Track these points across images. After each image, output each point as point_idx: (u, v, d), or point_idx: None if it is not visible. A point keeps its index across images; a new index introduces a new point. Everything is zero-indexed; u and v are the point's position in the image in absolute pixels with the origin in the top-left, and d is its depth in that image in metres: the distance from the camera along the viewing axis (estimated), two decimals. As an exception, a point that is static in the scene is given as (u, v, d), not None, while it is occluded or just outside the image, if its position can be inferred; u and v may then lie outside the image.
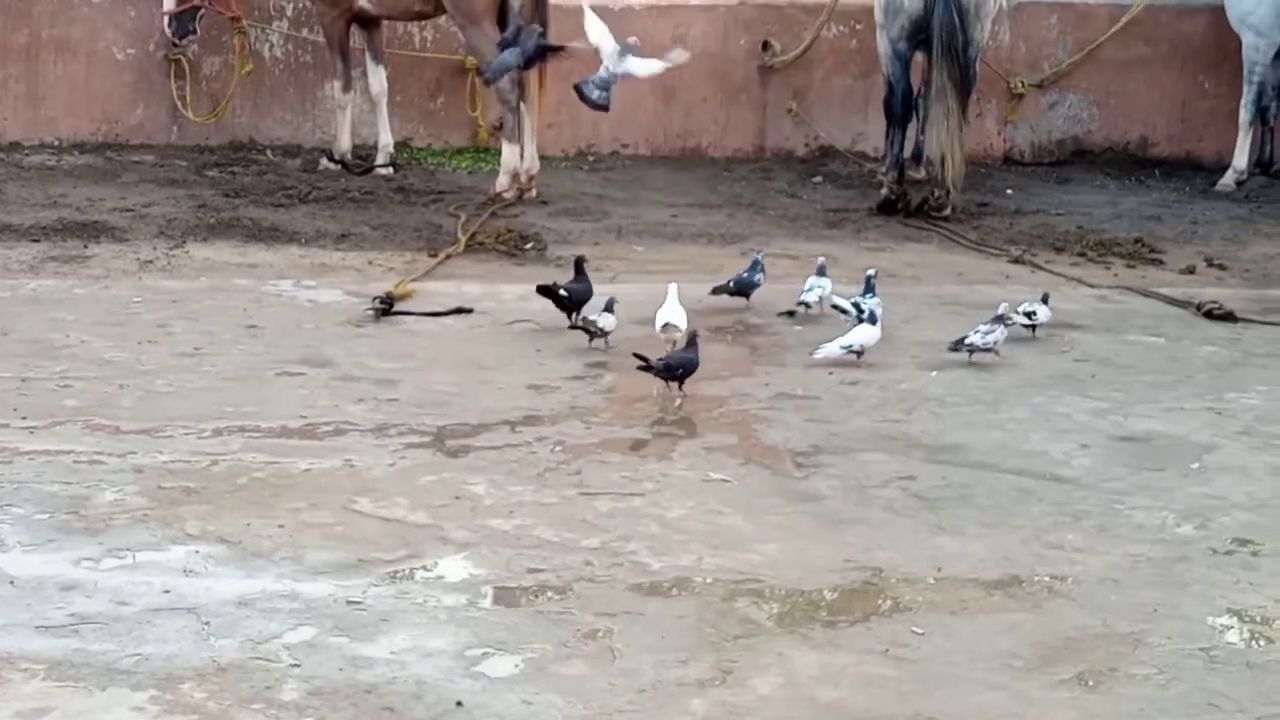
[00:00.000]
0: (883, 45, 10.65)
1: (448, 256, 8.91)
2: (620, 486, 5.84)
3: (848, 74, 11.90)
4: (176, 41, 11.13)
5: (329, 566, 5.14)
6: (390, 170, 10.83)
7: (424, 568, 5.18)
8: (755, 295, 8.15)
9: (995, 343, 7.40)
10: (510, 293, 8.26)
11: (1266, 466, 6.23)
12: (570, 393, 6.84)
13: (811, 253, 9.38)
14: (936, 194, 10.28)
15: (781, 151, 11.93)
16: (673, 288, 7.50)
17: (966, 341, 7.39)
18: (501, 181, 10.24)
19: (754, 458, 6.18)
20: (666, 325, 7.33)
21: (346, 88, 10.81)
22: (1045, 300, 7.96)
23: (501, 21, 10.23)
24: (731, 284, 8.19)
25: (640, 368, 6.78)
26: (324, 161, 10.88)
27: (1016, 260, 9.43)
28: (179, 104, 11.32)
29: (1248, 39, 11.54)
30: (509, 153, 10.27)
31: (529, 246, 9.19)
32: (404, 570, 5.14)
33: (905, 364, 7.40)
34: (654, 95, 11.77)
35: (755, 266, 8.29)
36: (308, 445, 6.14)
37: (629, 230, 9.75)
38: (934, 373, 7.27)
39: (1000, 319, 7.47)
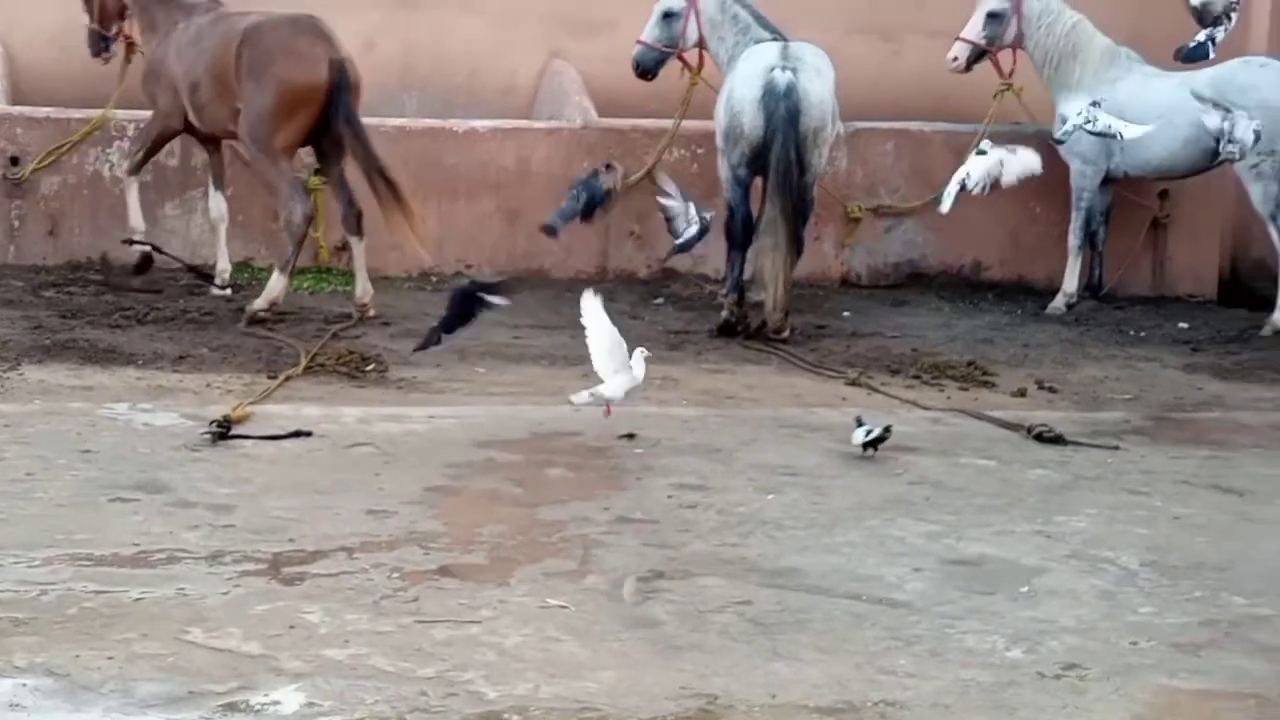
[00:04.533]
0: (723, 170, 10.84)
1: (287, 378, 8.87)
2: (457, 614, 5.82)
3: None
4: (94, 55, 11.10)
5: (159, 699, 5.06)
6: (228, 291, 10.79)
7: (256, 699, 5.12)
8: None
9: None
10: (350, 415, 8.24)
11: (1094, 590, 6.36)
12: (409, 517, 6.82)
13: (652, 374, 9.46)
14: (774, 317, 10.44)
15: (624, 273, 12.04)
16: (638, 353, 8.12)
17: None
18: (260, 303, 10.11)
19: (592, 583, 6.19)
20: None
21: (134, 171, 10.77)
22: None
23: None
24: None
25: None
26: (134, 248, 10.85)
27: (853, 383, 9.57)
28: (14, 223, 11.22)
29: (1075, 166, 11.89)
30: (277, 281, 10.14)
31: (370, 368, 9.18)
32: (236, 702, 5.08)
33: (743, 487, 7.47)
34: (498, 216, 11.86)
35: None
36: (140, 574, 6.06)
37: (471, 352, 9.77)
38: (770, 496, 7.35)
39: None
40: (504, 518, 6.87)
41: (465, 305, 8.87)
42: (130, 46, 11.12)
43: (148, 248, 10.87)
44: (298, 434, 7.86)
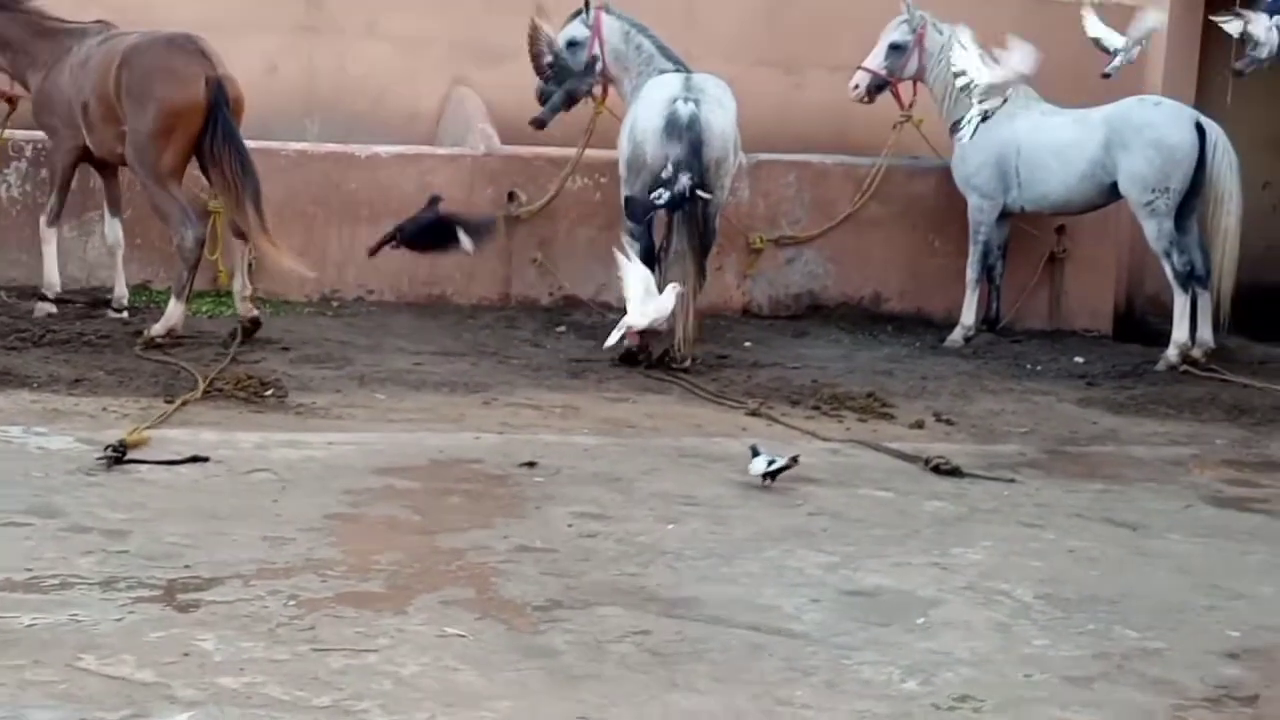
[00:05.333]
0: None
1: (185, 403, 8.79)
2: (354, 642, 5.78)
3: (592, 225, 12.08)
4: None
5: (50, 728, 5.00)
6: (124, 314, 10.68)
7: (150, 728, 5.07)
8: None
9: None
10: (248, 441, 8.18)
11: (989, 622, 6.41)
12: (306, 544, 6.77)
13: (554, 403, 9.50)
14: (685, 350, 10.47)
15: (526, 300, 12.04)
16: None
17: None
18: (157, 329, 10.02)
19: (490, 612, 6.17)
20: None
21: (53, 222, 10.66)
22: None
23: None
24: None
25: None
26: (40, 306, 10.66)
27: (754, 413, 9.61)
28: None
29: (973, 200, 12.03)
30: (174, 307, 10.06)
31: (269, 393, 9.11)
32: (129, 731, 5.03)
33: (643, 516, 7.48)
34: (403, 242, 11.81)
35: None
36: (32, 599, 5.98)
37: (371, 378, 9.73)
38: (670, 525, 7.36)
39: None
40: (402, 545, 6.83)
41: (438, 230, 8.97)
42: (11, 102, 10.99)
43: (52, 309, 10.66)
44: (195, 459, 7.79)
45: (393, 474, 7.82)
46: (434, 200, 10.28)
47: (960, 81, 10.81)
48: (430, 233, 9.25)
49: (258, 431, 8.34)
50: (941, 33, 11.90)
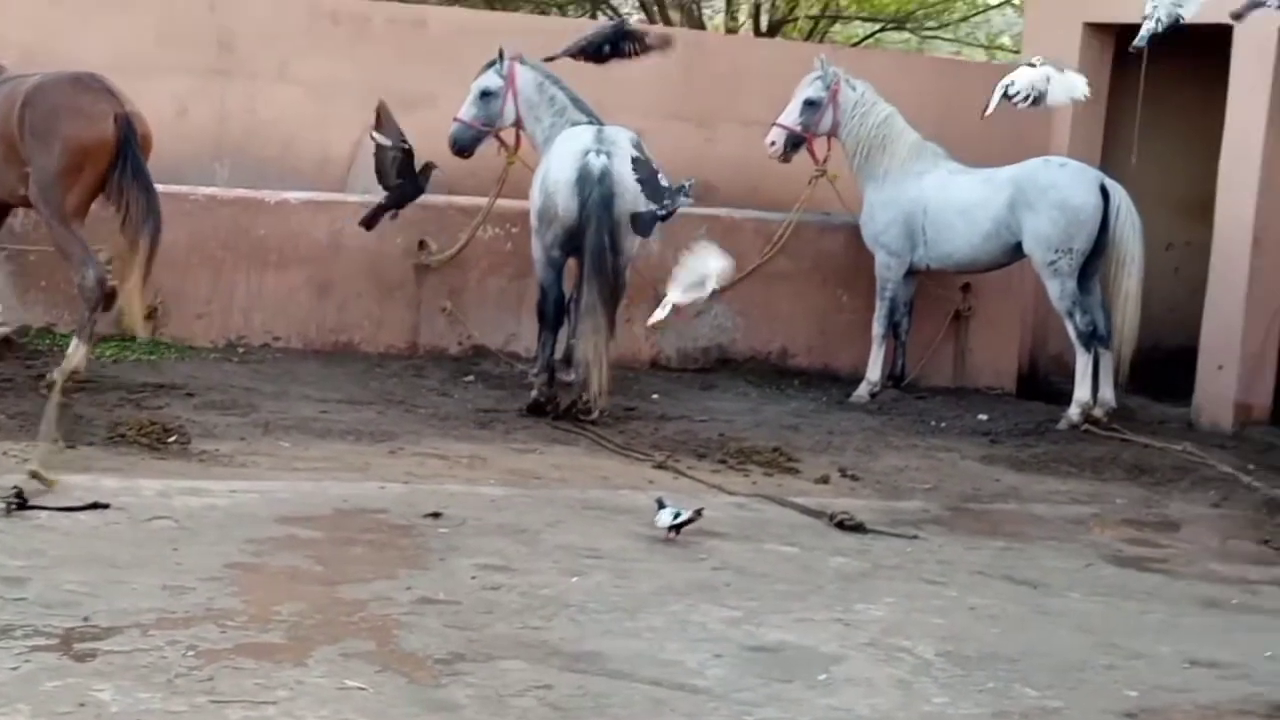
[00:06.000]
0: (537, 251, 10.89)
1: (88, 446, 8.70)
2: (253, 694, 5.72)
3: (502, 275, 12.09)
4: None
5: (-60, 779, 4.92)
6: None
7: (42, 780, 5.00)
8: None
9: None
10: (150, 488, 8.09)
11: (890, 679, 6.44)
12: (207, 594, 6.70)
13: (460, 453, 9.48)
14: (584, 398, 10.49)
15: (435, 349, 12.01)
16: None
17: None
18: (59, 373, 9.80)
19: (392, 665, 6.13)
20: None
21: None
22: None
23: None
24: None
25: None
26: None
27: (660, 466, 9.63)
28: None
29: (880, 257, 12.14)
30: (76, 349, 9.90)
31: (172, 440, 9.03)
32: (20, 783, 4.95)
33: (548, 569, 7.46)
34: (308, 288, 11.77)
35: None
36: (-75, 647, 5.89)
37: (276, 425, 9.67)
38: (575, 578, 7.35)
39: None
40: (304, 596, 6.78)
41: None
42: None
43: None
44: (95, 506, 7.70)
45: (296, 523, 7.77)
46: (428, 167, 10.83)
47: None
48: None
49: (160, 478, 8.26)
50: (855, 88, 12.03)
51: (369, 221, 11.27)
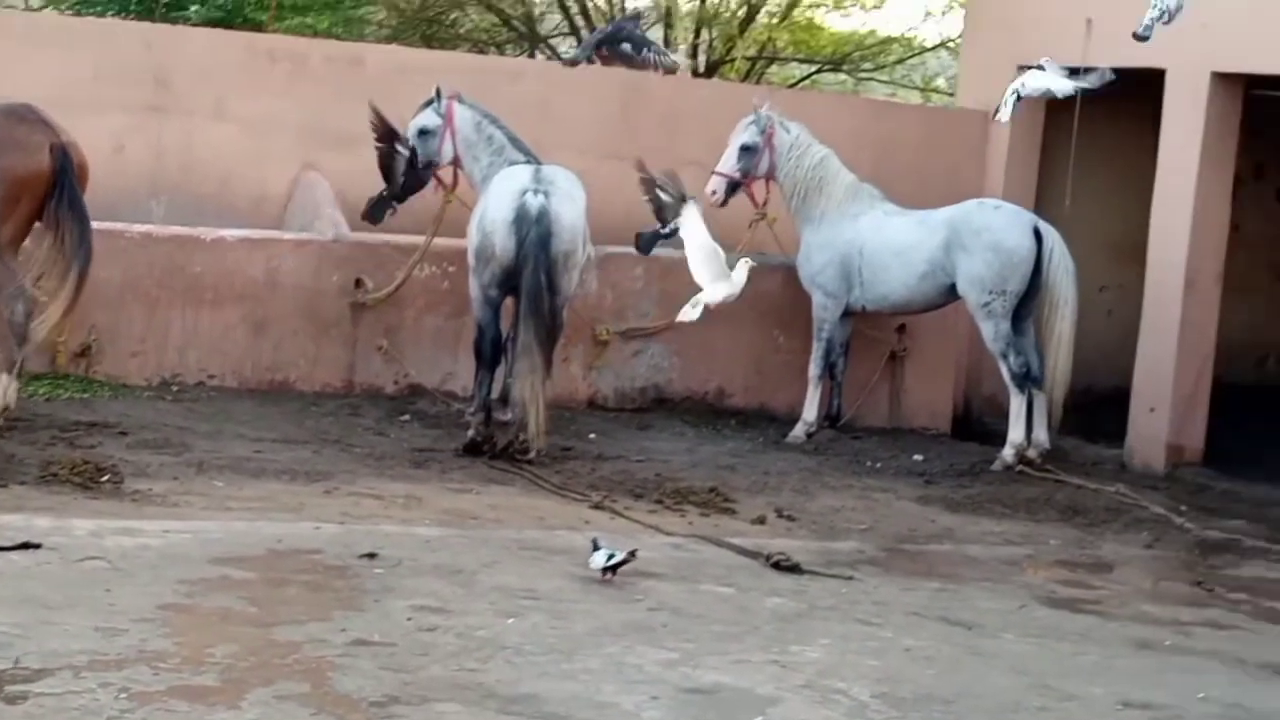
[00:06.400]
0: (474, 289, 10.88)
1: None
2: (186, 738, 5.69)
3: (439, 314, 12.06)
4: None
5: None
6: None
7: (-30, 826, 4.94)
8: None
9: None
10: (82, 527, 8.02)
11: (825, 720, 6.46)
12: (139, 635, 6.65)
13: (396, 493, 9.45)
14: (521, 437, 10.47)
15: (371, 388, 11.97)
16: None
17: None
18: None
19: (326, 708, 6.09)
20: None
21: None
22: None
23: None
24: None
25: None
26: None
27: (597, 506, 9.62)
28: None
29: (817, 298, 12.19)
30: (4, 383, 9.77)
31: (105, 479, 8.96)
32: (-52, 829, 4.89)
33: (484, 610, 7.44)
34: (244, 326, 11.71)
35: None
36: None
37: (210, 465, 9.61)
38: (511, 619, 7.33)
39: None
40: (237, 638, 6.73)
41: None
42: None
43: None
44: (26, 546, 7.63)
45: (229, 564, 7.72)
46: (430, 164, 11.05)
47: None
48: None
49: (92, 518, 8.19)
50: (789, 131, 12.09)
51: (370, 215, 11.36)
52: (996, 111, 11.61)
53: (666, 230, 10.55)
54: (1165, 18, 10.18)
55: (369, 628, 7.02)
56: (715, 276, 9.30)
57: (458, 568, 8.04)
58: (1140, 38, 10.49)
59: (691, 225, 9.68)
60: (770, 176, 12.23)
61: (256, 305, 11.77)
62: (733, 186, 12.12)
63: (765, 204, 12.31)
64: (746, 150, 12.06)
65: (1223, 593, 9.13)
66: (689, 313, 10.33)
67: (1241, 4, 11.74)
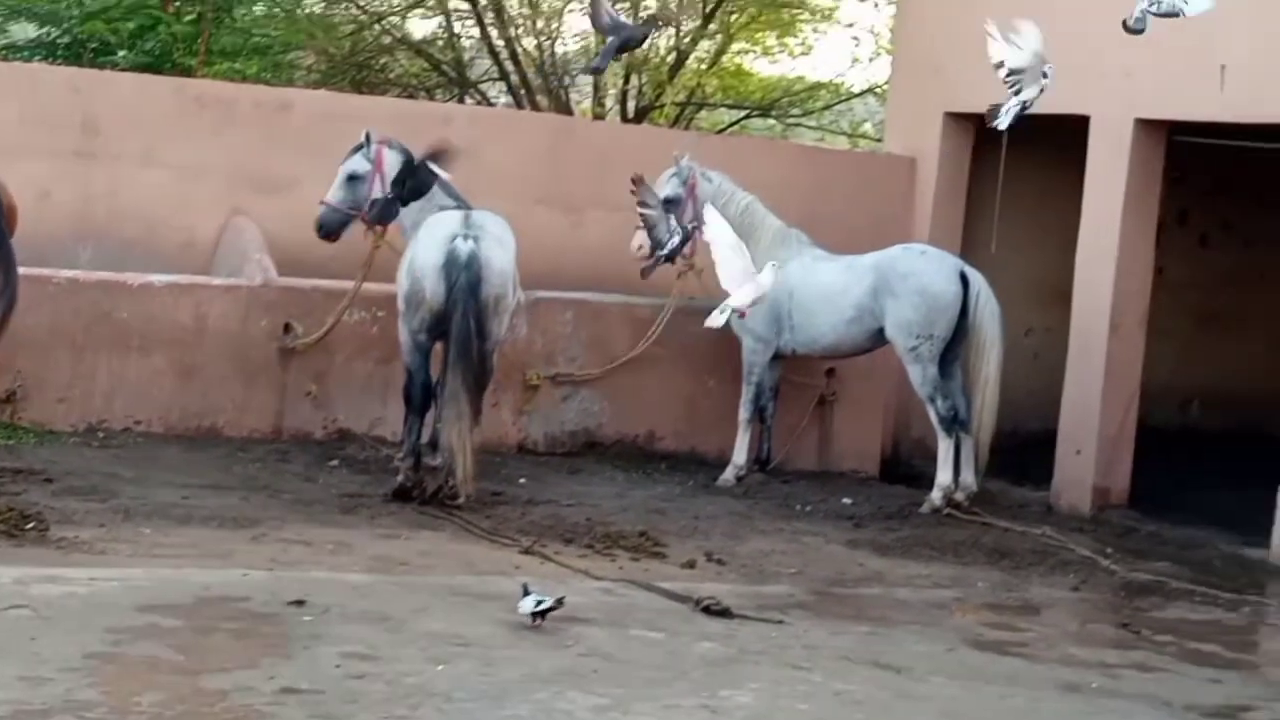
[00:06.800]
0: (403, 335, 10.87)
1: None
2: (112, 788, 5.64)
3: (368, 359, 12.04)
4: None
5: None
6: None
7: None
8: None
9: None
10: (6, 576, 7.94)
11: (756, 765, 6.47)
12: (65, 685, 6.59)
13: (325, 539, 9.41)
14: (450, 483, 10.45)
15: (299, 433, 11.92)
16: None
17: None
18: None
19: (254, 756, 6.07)
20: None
21: None
22: None
23: None
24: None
25: None
26: None
27: (527, 551, 9.61)
28: None
29: (747, 343, 12.25)
30: None
31: (30, 526, 8.88)
32: None
33: (413, 657, 7.41)
34: (172, 372, 11.65)
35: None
36: None
37: (137, 511, 9.53)
38: (440, 666, 7.30)
39: None
40: (165, 686, 6.68)
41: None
42: None
43: None
44: (-51, 595, 7.56)
45: (157, 611, 7.66)
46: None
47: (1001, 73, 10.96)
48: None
49: (16, 566, 8.11)
50: (711, 180, 12.16)
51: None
52: (995, 117, 11.47)
53: (665, 252, 10.69)
54: (1156, 6, 10.01)
55: (297, 675, 6.98)
56: (742, 279, 9.61)
57: (387, 614, 8.00)
58: (1133, 30, 9.90)
59: (715, 228, 9.91)
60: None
61: (184, 351, 11.71)
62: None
63: (693, 254, 12.34)
64: (670, 203, 12.10)
65: (1149, 635, 9.20)
66: (716, 319, 10.52)
67: (1164, 51, 11.89)
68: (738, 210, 12.12)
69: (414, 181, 10.95)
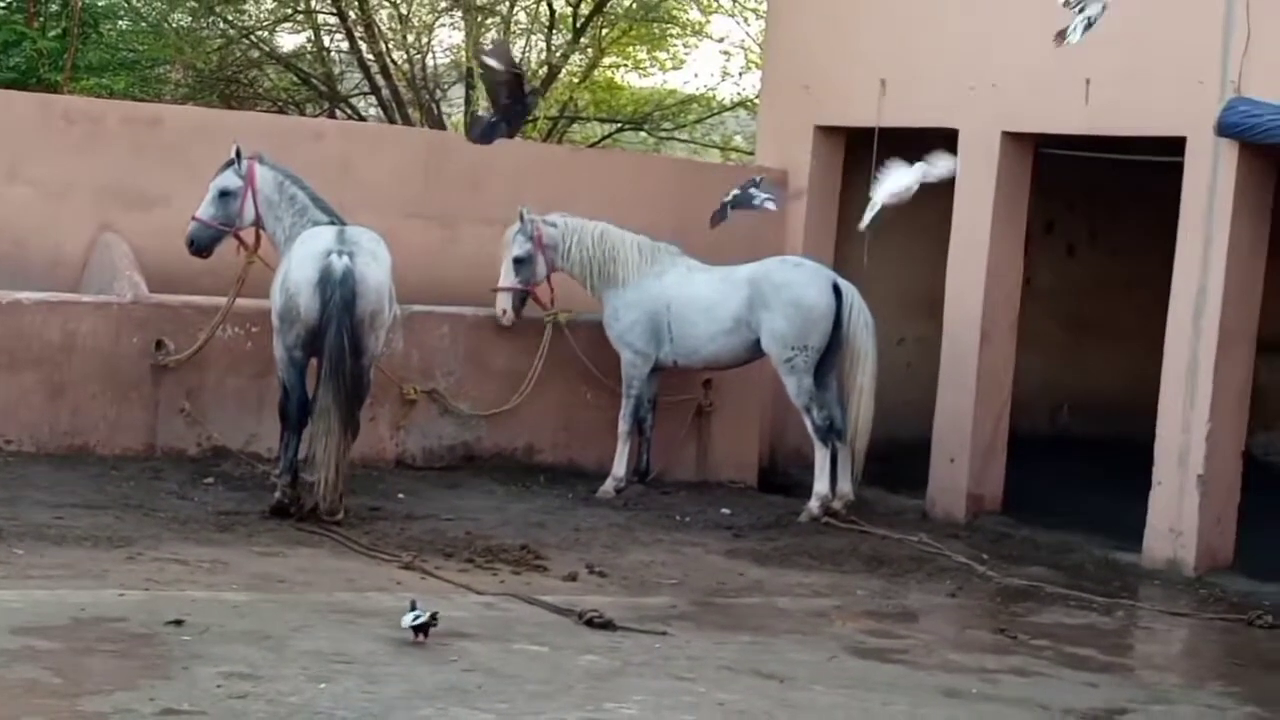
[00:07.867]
0: (279, 351, 10.77)
1: None
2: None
3: (242, 375, 11.91)
4: None
5: None
6: None
7: None
8: None
9: None
10: (-123, 602, 7.80)
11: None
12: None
13: (202, 557, 9.30)
14: (328, 498, 10.38)
15: (173, 451, 11.77)
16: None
17: None
18: None
19: (136, 779, 5.99)
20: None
21: None
22: None
23: None
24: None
25: None
26: None
27: (407, 566, 9.56)
28: None
29: (626, 356, 12.28)
30: None
31: (-102, 550, 8.72)
32: None
33: (295, 675, 7.34)
34: (41, 390, 11.47)
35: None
36: None
37: (9, 532, 9.37)
38: (322, 685, 7.24)
39: None
40: (42, 709, 6.58)
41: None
42: None
43: None
44: None
45: (31, 634, 7.54)
46: (535, 90, 11.50)
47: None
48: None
49: (-117, 591, 7.96)
50: (554, 225, 12.22)
51: (481, 137, 11.65)
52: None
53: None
54: (1089, 24, 9.99)
55: (178, 696, 6.90)
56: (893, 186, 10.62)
57: (267, 633, 7.93)
58: (1067, 43, 10.09)
59: (896, 174, 11.21)
60: (553, 270, 12.32)
61: (54, 369, 11.54)
62: (521, 298, 12.29)
63: (554, 300, 12.42)
64: (520, 262, 12.17)
65: (1026, 640, 9.32)
66: (868, 217, 11.51)
67: (1030, 66, 12.09)
68: (593, 240, 12.22)
69: (520, 106, 11.03)
